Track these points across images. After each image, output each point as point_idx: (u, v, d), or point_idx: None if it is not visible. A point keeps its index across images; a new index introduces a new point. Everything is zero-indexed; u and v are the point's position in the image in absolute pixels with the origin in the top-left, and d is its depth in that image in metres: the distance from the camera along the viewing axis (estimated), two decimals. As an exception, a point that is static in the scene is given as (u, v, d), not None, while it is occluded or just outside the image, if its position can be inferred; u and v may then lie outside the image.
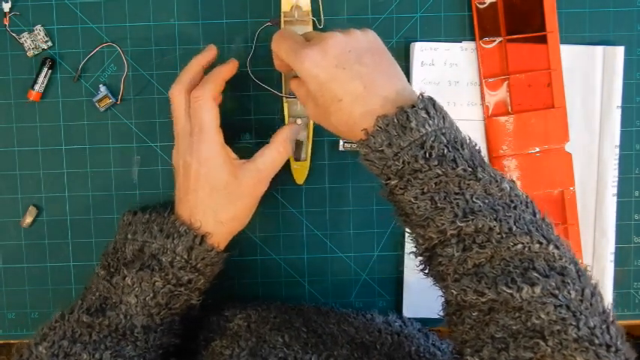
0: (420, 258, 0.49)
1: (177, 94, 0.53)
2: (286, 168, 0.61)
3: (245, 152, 0.59)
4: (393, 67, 0.49)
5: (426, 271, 0.49)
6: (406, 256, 0.62)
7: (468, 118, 0.61)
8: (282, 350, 0.50)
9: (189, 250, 0.51)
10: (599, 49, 0.61)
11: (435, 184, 0.45)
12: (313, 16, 0.59)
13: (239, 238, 0.62)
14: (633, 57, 0.62)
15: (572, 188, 0.61)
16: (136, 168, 0.61)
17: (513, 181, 0.47)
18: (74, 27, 0.60)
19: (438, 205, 0.45)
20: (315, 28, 0.59)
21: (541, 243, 0.43)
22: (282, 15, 0.59)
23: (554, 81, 0.60)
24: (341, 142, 0.61)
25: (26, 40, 0.60)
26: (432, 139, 0.45)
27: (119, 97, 0.60)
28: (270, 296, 0.62)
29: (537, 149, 0.61)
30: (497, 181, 0.46)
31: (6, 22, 0.59)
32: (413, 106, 0.46)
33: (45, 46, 0.60)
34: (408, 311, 0.62)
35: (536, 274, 0.41)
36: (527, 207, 0.46)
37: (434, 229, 0.45)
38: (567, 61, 0.61)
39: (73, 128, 0.61)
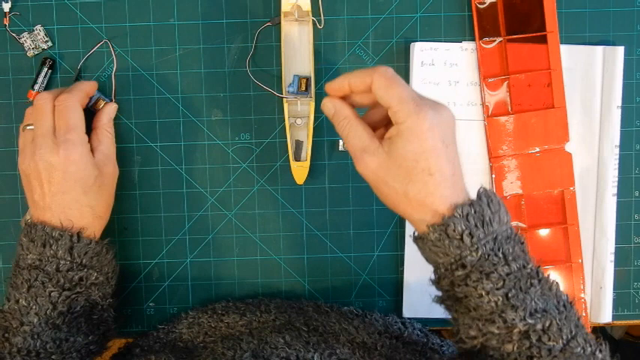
0: (460, 347, 0.48)
1: (45, 97, 0.53)
2: (286, 168, 0.61)
3: (245, 152, 0.59)
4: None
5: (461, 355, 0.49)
6: (406, 256, 0.62)
7: (468, 118, 0.61)
8: (284, 350, 0.50)
9: (69, 250, 0.51)
10: (599, 49, 0.61)
11: (510, 280, 0.45)
12: (313, 16, 0.59)
13: (239, 238, 0.62)
14: (633, 57, 0.62)
15: (572, 188, 0.61)
16: (136, 168, 0.61)
17: (557, 283, 0.48)
18: (74, 27, 0.60)
19: (511, 302, 0.44)
20: (315, 28, 0.59)
21: (591, 346, 0.45)
22: (282, 15, 0.59)
23: (554, 81, 0.60)
24: (341, 142, 0.61)
25: (26, 40, 0.60)
26: (502, 235, 0.46)
27: (112, 95, 0.60)
28: (270, 296, 0.62)
29: (537, 149, 0.61)
30: (548, 282, 0.47)
31: (6, 22, 0.59)
32: (486, 197, 0.46)
33: (45, 46, 0.60)
34: (408, 311, 0.62)
35: None
36: (572, 307, 0.47)
37: (500, 325, 0.45)
38: (567, 61, 0.61)
39: (73, 128, 0.61)
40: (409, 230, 0.61)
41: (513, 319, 0.44)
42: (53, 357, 0.50)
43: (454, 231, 0.44)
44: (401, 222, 0.62)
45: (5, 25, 0.60)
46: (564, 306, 0.46)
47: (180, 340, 0.57)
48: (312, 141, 0.61)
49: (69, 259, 0.51)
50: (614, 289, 0.62)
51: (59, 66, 0.60)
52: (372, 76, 0.46)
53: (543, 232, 0.61)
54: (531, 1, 0.60)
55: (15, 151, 0.61)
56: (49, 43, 0.60)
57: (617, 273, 0.63)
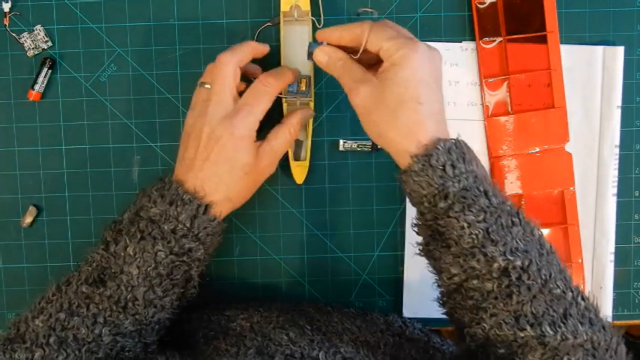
0: (442, 288, 0.49)
1: (228, 61, 0.52)
2: (286, 168, 0.61)
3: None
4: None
5: (444, 300, 0.50)
6: (406, 256, 0.62)
7: (468, 118, 0.61)
8: (289, 347, 0.50)
9: (192, 218, 0.50)
10: (599, 49, 0.61)
11: (491, 213, 0.46)
12: (313, 16, 0.59)
13: (239, 238, 0.62)
14: (633, 57, 0.62)
15: (572, 188, 0.61)
16: (136, 168, 0.61)
17: (540, 230, 0.48)
18: (74, 27, 0.60)
19: (491, 236, 0.45)
20: (314, 27, 0.59)
21: (572, 292, 0.45)
22: (281, 15, 0.59)
23: (554, 81, 0.60)
24: (341, 142, 0.61)
25: (26, 40, 0.60)
26: (480, 174, 0.48)
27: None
28: (270, 296, 0.62)
29: (537, 149, 0.61)
30: (530, 226, 0.48)
31: (6, 22, 0.59)
32: (463, 142, 0.48)
33: (45, 46, 0.60)
34: (408, 311, 0.62)
35: (573, 321, 0.44)
36: (554, 254, 0.48)
37: (480, 259, 0.45)
38: (567, 61, 0.61)
39: (73, 128, 0.61)
40: (409, 230, 0.61)
41: (493, 253, 0.45)
42: (137, 317, 0.49)
43: (437, 161, 0.46)
44: (401, 222, 0.62)
45: (5, 25, 0.60)
46: (547, 251, 0.47)
47: (180, 335, 0.57)
48: (312, 141, 0.61)
49: (187, 225, 0.50)
50: (614, 289, 0.63)
51: (59, 66, 0.60)
52: (361, 26, 0.50)
53: (543, 232, 0.61)
54: (531, 1, 0.60)
55: (15, 151, 0.61)
56: (49, 43, 0.60)
57: (617, 273, 0.63)
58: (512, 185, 0.61)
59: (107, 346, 0.48)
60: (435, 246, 0.48)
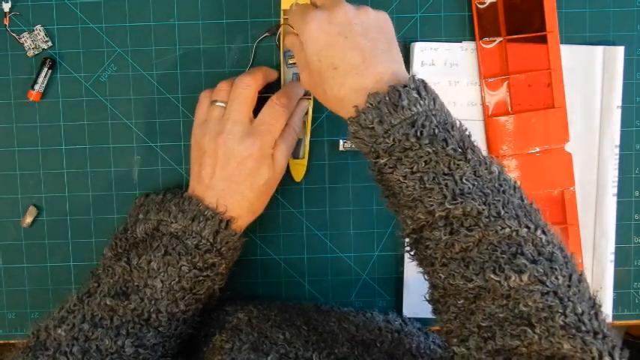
0: (407, 240, 0.49)
1: (250, 84, 0.54)
2: (286, 167, 0.61)
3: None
4: (395, 50, 0.50)
5: (412, 254, 0.49)
6: (406, 256, 0.62)
7: (468, 118, 0.61)
8: (284, 347, 0.50)
9: (214, 233, 0.51)
10: (599, 49, 0.61)
11: (425, 162, 0.45)
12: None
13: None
14: (633, 57, 0.62)
15: (572, 188, 0.61)
16: (136, 168, 0.61)
17: (502, 166, 0.47)
18: (74, 27, 0.60)
19: (427, 185, 0.45)
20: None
21: (529, 227, 0.43)
22: (281, 13, 0.59)
23: (554, 81, 0.60)
24: (341, 142, 0.61)
25: (26, 40, 0.60)
26: (422, 118, 0.46)
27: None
28: (270, 296, 0.62)
29: (537, 149, 0.61)
30: (486, 164, 0.46)
31: (6, 22, 0.59)
32: (405, 86, 0.46)
33: (45, 46, 0.60)
34: (408, 311, 0.62)
35: (524, 261, 0.41)
36: (515, 191, 0.46)
37: (422, 210, 0.45)
38: (567, 61, 0.61)
39: (73, 128, 0.61)
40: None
41: (431, 203, 0.44)
42: (160, 329, 0.50)
43: (365, 120, 0.46)
44: (401, 222, 0.62)
45: (5, 25, 0.60)
46: (507, 188, 0.45)
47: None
48: (313, 141, 0.61)
49: (211, 241, 0.51)
50: (614, 289, 0.62)
51: (59, 66, 0.60)
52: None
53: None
54: (531, 1, 0.60)
55: (15, 151, 0.61)
56: (49, 43, 0.60)
57: (617, 273, 0.63)
58: (512, 185, 0.61)
59: (129, 357, 0.48)
60: (392, 199, 0.49)
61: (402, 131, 0.45)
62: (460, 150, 0.45)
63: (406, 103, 0.45)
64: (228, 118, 0.53)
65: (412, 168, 0.45)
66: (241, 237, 0.54)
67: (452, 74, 0.61)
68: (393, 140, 0.46)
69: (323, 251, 0.63)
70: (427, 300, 0.48)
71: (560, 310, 0.39)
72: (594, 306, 0.41)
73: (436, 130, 0.45)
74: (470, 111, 0.61)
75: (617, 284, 0.63)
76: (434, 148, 0.45)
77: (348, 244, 0.63)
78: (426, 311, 0.61)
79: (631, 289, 0.64)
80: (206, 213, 0.51)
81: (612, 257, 0.62)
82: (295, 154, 0.60)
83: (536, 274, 0.40)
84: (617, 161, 0.62)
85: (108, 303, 0.49)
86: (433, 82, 0.60)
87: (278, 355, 0.49)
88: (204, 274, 0.51)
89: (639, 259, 0.63)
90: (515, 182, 0.46)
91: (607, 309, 0.62)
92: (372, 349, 0.53)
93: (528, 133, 0.61)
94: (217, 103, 0.54)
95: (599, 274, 0.62)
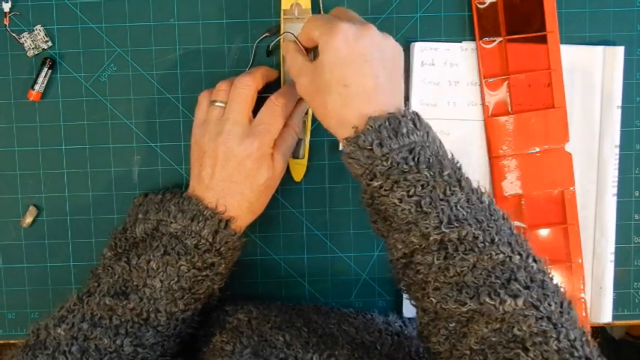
0: (395, 266, 0.49)
1: (249, 84, 0.53)
2: (286, 168, 0.61)
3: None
4: (402, 83, 0.51)
5: (399, 278, 0.49)
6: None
7: (468, 118, 0.61)
8: (283, 351, 0.50)
9: (214, 233, 0.51)
10: (599, 49, 0.61)
11: (422, 186, 0.46)
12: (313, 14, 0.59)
13: (239, 238, 0.62)
14: (633, 57, 0.62)
15: (572, 188, 0.61)
16: (136, 168, 0.61)
17: (491, 197, 0.48)
18: (74, 27, 0.60)
19: (424, 209, 0.45)
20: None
21: (521, 255, 0.44)
22: (281, 13, 0.59)
23: (554, 81, 0.60)
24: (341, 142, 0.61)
25: (26, 40, 0.60)
26: (419, 147, 0.47)
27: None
28: (270, 296, 0.62)
29: (537, 149, 0.61)
30: (478, 194, 0.47)
31: (6, 22, 0.59)
32: (403, 116, 0.47)
33: (45, 46, 0.60)
34: (408, 311, 0.62)
35: (518, 286, 0.42)
36: (505, 221, 0.47)
37: (416, 234, 0.45)
38: (567, 61, 0.61)
39: (73, 128, 0.61)
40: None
41: (427, 227, 0.45)
42: (159, 329, 0.50)
43: (364, 142, 0.46)
44: (401, 222, 0.62)
45: (5, 25, 0.60)
46: (497, 218, 0.46)
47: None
48: (312, 141, 0.61)
49: (210, 240, 0.51)
50: (614, 289, 0.62)
51: (59, 66, 0.60)
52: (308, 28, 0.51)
53: (543, 232, 0.61)
54: (531, 1, 0.60)
55: (15, 151, 0.61)
56: (49, 43, 0.60)
57: (617, 273, 0.63)
58: (512, 185, 0.61)
59: (128, 356, 0.48)
60: (381, 224, 0.49)
61: (401, 155, 0.46)
62: (455, 178, 0.46)
63: (405, 131, 0.46)
64: (228, 118, 0.53)
65: (409, 191, 0.46)
66: (241, 237, 0.54)
67: (452, 74, 0.61)
68: (391, 163, 0.46)
69: (323, 251, 0.63)
70: (415, 325, 0.49)
71: (554, 335, 0.40)
72: (584, 334, 0.42)
73: (431, 159, 0.47)
74: (470, 111, 0.61)
75: (617, 284, 0.63)
76: (431, 173, 0.46)
77: (348, 244, 0.63)
78: (426, 311, 0.61)
79: (631, 289, 0.64)
80: (205, 213, 0.51)
81: (612, 257, 0.62)
82: (295, 154, 0.60)
83: (530, 300, 0.41)
84: (617, 161, 0.62)
85: (107, 302, 0.49)
86: (433, 82, 0.60)
87: None
88: (204, 273, 0.51)
89: (639, 259, 0.63)
90: (504, 213, 0.48)
91: (607, 309, 0.62)
92: (372, 352, 0.53)
93: (528, 133, 0.61)
94: (217, 104, 0.54)
95: (599, 274, 0.62)
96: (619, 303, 0.63)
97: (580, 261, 0.62)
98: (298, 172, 0.61)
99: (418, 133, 0.47)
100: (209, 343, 0.54)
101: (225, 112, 0.53)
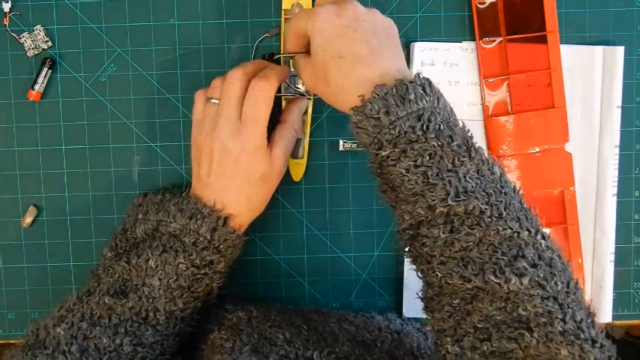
0: (402, 237, 0.48)
1: (239, 77, 0.52)
2: (286, 168, 0.61)
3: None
4: (400, 51, 0.50)
5: (407, 250, 0.48)
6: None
7: (468, 118, 0.61)
8: (283, 347, 0.50)
9: (212, 231, 0.51)
10: (599, 49, 0.61)
11: (430, 156, 0.45)
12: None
13: (239, 238, 0.62)
14: (633, 57, 0.62)
15: (572, 188, 0.61)
16: (136, 168, 0.61)
17: (502, 168, 0.47)
18: (74, 27, 0.60)
19: (430, 180, 0.44)
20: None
21: (529, 231, 0.43)
22: (282, 13, 0.59)
23: (554, 81, 0.60)
24: (341, 142, 0.61)
25: (26, 40, 0.60)
26: (428, 113, 0.45)
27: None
28: (270, 296, 0.62)
29: (537, 149, 0.61)
30: (489, 164, 0.46)
31: (6, 22, 0.59)
32: (411, 82, 0.46)
33: (45, 46, 0.60)
34: (408, 311, 0.62)
35: (524, 264, 0.41)
36: (515, 194, 0.46)
37: (423, 205, 0.45)
38: (567, 61, 0.61)
39: (73, 128, 0.61)
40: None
41: (433, 199, 0.44)
42: (158, 327, 0.50)
43: (371, 110, 0.46)
44: (401, 222, 0.62)
45: (5, 25, 0.60)
46: (508, 191, 0.45)
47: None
48: (312, 141, 0.61)
49: (208, 238, 0.51)
50: (614, 289, 0.63)
51: (59, 66, 0.60)
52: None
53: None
54: (531, 1, 0.60)
55: (15, 151, 0.61)
56: (49, 43, 0.60)
57: (617, 273, 0.63)
58: (512, 185, 0.61)
59: (127, 355, 0.48)
60: (390, 193, 0.48)
61: (409, 123, 0.45)
62: (465, 147, 0.45)
63: (413, 97, 0.45)
64: (221, 114, 0.52)
65: (416, 161, 0.45)
66: (241, 235, 0.54)
67: (452, 74, 0.61)
68: (399, 132, 0.45)
69: (323, 251, 0.63)
70: (420, 297, 0.48)
71: (560, 316, 0.39)
72: (590, 314, 0.41)
73: (441, 126, 0.45)
74: (470, 111, 0.61)
75: (617, 284, 0.63)
76: (439, 142, 0.45)
77: (348, 244, 0.63)
78: (426, 311, 0.61)
79: (631, 289, 0.64)
80: (203, 211, 0.51)
81: (612, 257, 0.62)
82: (294, 154, 0.60)
83: (536, 279, 0.40)
84: (617, 161, 0.62)
85: (106, 302, 0.49)
86: (433, 82, 0.60)
87: (278, 357, 0.49)
88: (202, 272, 0.51)
89: (639, 259, 0.63)
90: (515, 186, 0.46)
91: (607, 309, 0.62)
92: (373, 349, 0.53)
93: (528, 133, 0.61)
94: (212, 101, 0.54)
95: (599, 274, 0.62)
96: (619, 303, 0.63)
97: (580, 261, 0.62)
98: (297, 172, 0.61)
99: (428, 99, 0.46)
100: (207, 339, 0.54)
101: (219, 108, 0.53)
